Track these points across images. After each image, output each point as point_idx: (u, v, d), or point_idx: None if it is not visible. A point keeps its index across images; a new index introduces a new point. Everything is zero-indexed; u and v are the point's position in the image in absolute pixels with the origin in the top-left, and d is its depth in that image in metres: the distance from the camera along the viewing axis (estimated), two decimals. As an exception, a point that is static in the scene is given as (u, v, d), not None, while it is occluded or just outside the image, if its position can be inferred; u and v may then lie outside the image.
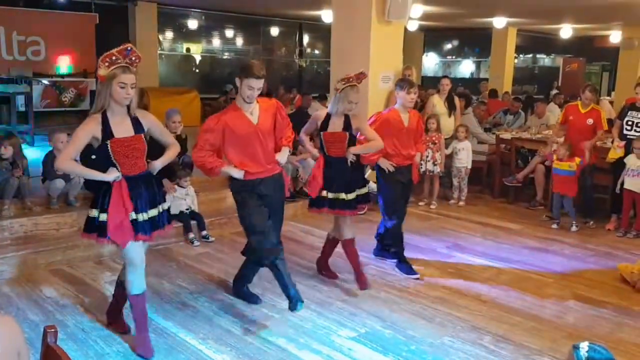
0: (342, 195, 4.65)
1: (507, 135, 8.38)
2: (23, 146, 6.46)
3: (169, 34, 15.33)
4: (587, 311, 4.50)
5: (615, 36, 15.92)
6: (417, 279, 5.04)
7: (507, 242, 6.23)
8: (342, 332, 4.05)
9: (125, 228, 3.43)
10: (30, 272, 4.99)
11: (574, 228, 6.65)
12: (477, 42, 20.11)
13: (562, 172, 6.66)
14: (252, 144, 4.01)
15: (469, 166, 7.74)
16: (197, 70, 16.09)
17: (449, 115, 8.00)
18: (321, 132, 4.65)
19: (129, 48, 3.30)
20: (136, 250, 3.54)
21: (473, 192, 8.14)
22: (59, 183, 5.57)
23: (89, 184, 5.69)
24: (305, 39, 17.71)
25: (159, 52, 14.04)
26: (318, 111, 4.72)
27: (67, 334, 3.86)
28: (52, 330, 1.95)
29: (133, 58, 3.33)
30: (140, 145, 3.47)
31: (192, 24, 15.33)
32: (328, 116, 4.65)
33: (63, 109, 11.05)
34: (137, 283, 3.61)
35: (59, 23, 11.27)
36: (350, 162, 4.66)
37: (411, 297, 4.67)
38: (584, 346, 2.14)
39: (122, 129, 3.42)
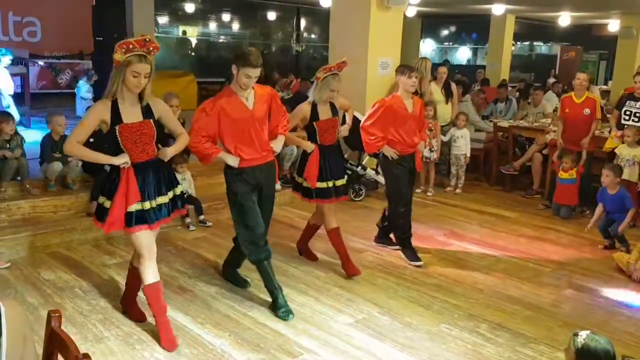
0: (339, 182, 4.73)
1: (504, 123, 8.38)
2: (20, 128, 6.43)
3: (166, 17, 15.20)
4: (583, 300, 4.54)
5: (613, 25, 15.89)
6: (419, 266, 5.06)
7: (503, 230, 6.26)
8: (339, 318, 4.07)
9: (119, 218, 3.45)
10: (28, 255, 5.00)
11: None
12: (475, 28, 20.04)
13: (565, 181, 6.72)
14: (247, 128, 3.99)
15: (468, 154, 7.76)
16: (194, 54, 15.99)
17: (446, 103, 7.98)
18: (313, 122, 4.64)
19: (147, 39, 3.30)
20: (145, 238, 3.53)
21: (469, 180, 8.16)
22: (57, 166, 5.55)
23: (87, 166, 5.69)
24: (303, 23, 17.60)
25: (155, 34, 13.93)
26: (299, 106, 4.71)
27: (65, 317, 3.84)
28: (57, 314, 1.95)
29: (151, 48, 3.33)
30: (148, 131, 3.46)
31: (189, 7, 15.22)
32: (314, 106, 4.63)
33: (59, 90, 10.97)
34: (148, 270, 3.59)
35: (55, 4, 11.13)
36: (336, 148, 4.81)
37: (408, 284, 4.70)
38: (583, 334, 2.17)
39: (131, 114, 3.41)
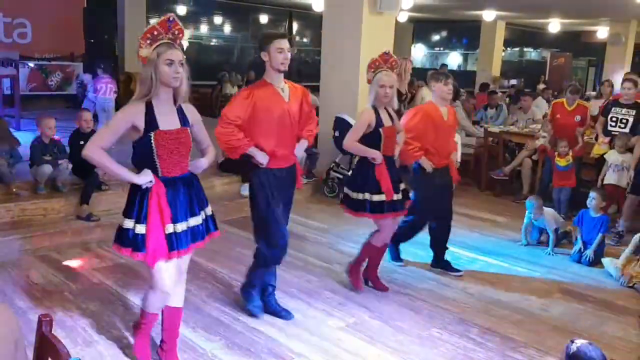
0: (396, 197, 4.33)
1: (495, 129, 8.44)
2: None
3: (157, 19, 15.14)
4: (572, 305, 4.57)
5: (602, 32, 16.06)
6: (402, 265, 5.14)
7: (493, 235, 6.30)
8: (330, 322, 4.07)
9: (160, 244, 2.97)
10: (17, 258, 4.96)
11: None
12: (466, 34, 20.18)
13: (562, 167, 6.79)
14: (283, 124, 3.71)
15: (459, 159, 7.77)
16: (185, 57, 15.96)
17: (438, 108, 8.01)
18: (380, 128, 4.21)
19: (170, 18, 2.93)
20: (167, 270, 3.06)
21: (459, 185, 8.17)
22: (46, 168, 5.51)
23: (77, 169, 5.66)
24: (295, 27, 17.63)
25: (146, 37, 13.89)
26: (364, 112, 4.25)
27: (55, 321, 3.81)
28: (47, 319, 1.94)
29: (176, 32, 2.95)
30: (186, 140, 3.02)
31: (181, 9, 15.19)
32: (376, 111, 4.24)
33: (50, 92, 10.93)
34: (153, 302, 3.21)
35: (46, 5, 11.08)
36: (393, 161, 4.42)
37: (399, 288, 4.70)
38: (578, 342, 2.18)
39: (168, 120, 2.96)
